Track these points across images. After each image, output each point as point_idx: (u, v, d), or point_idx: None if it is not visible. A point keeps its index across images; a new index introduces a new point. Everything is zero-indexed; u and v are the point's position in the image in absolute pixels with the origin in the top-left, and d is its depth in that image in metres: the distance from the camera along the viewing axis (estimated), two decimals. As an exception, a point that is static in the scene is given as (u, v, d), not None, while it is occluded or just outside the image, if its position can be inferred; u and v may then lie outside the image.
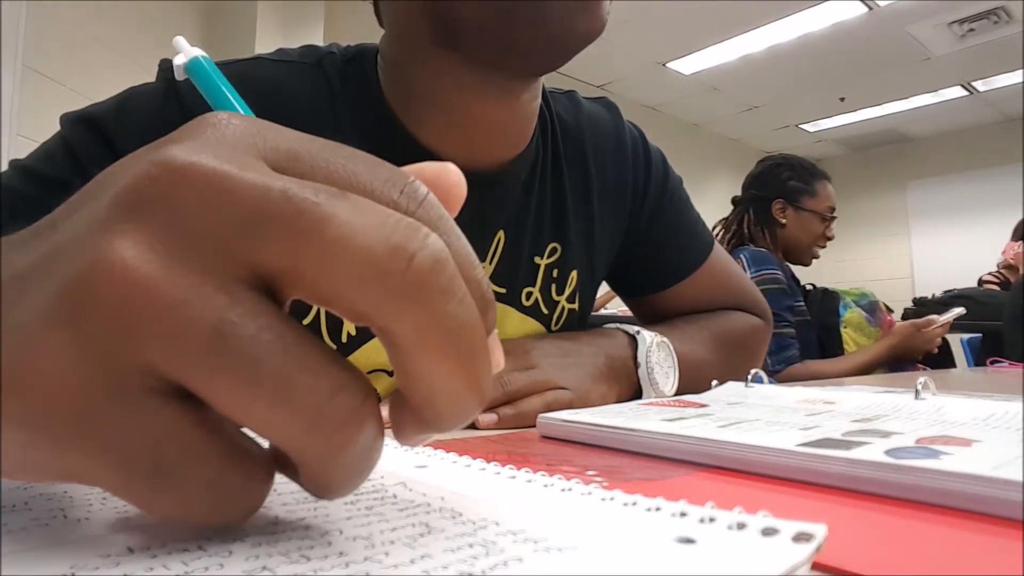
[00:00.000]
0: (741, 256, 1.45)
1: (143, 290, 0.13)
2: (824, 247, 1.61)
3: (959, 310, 1.41)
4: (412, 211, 0.15)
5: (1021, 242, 2.59)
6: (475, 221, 0.53)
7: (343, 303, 0.14)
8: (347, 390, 0.14)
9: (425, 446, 0.27)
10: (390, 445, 0.27)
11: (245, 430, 0.15)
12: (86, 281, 0.13)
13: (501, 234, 0.54)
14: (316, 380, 0.13)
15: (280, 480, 0.16)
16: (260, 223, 0.13)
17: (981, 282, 2.64)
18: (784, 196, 1.57)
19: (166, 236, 0.13)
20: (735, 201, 1.65)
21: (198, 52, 0.28)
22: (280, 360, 0.13)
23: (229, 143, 0.15)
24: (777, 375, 1.28)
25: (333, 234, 0.13)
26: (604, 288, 0.71)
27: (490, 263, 0.54)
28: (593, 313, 0.67)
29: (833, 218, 1.60)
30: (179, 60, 0.28)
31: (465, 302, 0.14)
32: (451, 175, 0.18)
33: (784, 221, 1.57)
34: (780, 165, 1.62)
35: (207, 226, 0.13)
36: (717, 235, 1.60)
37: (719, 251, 0.68)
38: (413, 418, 0.16)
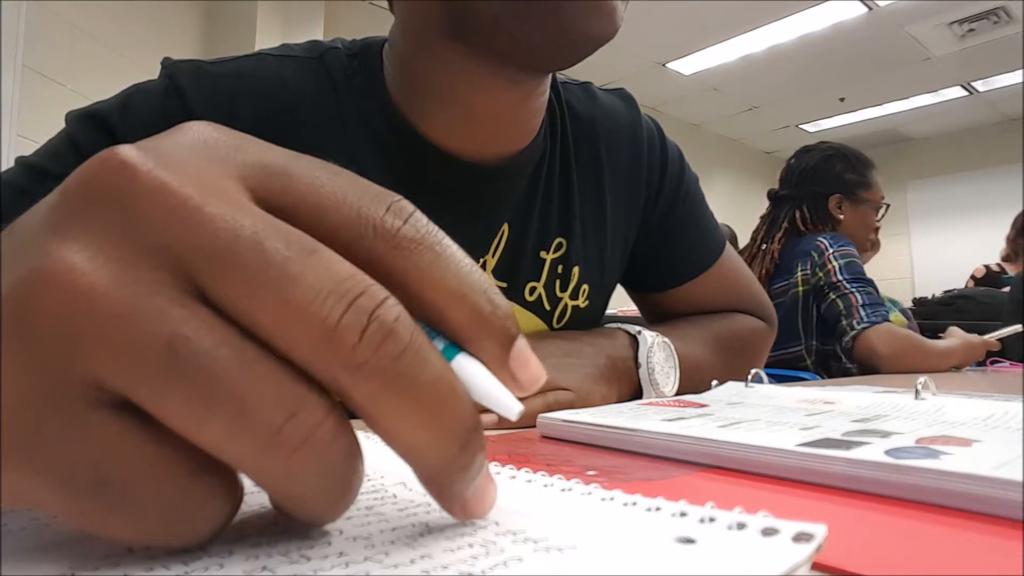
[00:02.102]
0: (821, 240, 1.40)
1: (90, 299, 0.12)
2: (874, 239, 1.54)
3: (1017, 327, 1.35)
4: (398, 228, 0.15)
5: None
6: (479, 214, 0.53)
7: (298, 363, 0.13)
8: (307, 409, 0.13)
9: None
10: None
11: None
12: (29, 287, 0.12)
13: (505, 227, 0.54)
14: (273, 399, 0.13)
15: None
16: (224, 260, 0.13)
17: (973, 276, 2.64)
18: (841, 191, 1.50)
19: (118, 241, 0.13)
20: (780, 197, 1.57)
21: None
22: (236, 377, 0.12)
23: (204, 155, 0.14)
24: (890, 357, 1.21)
25: (296, 297, 0.13)
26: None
27: (493, 256, 0.54)
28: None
29: (887, 206, 1.54)
30: None
31: (421, 359, 0.14)
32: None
33: (841, 216, 1.49)
34: (833, 157, 1.54)
35: (165, 241, 0.13)
36: (760, 232, 1.55)
37: (730, 252, 0.68)
38: (420, 480, 0.15)
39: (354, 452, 0.14)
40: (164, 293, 0.13)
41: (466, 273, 0.15)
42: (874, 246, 1.53)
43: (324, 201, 0.15)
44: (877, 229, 1.54)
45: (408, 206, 0.15)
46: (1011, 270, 2.57)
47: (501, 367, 0.15)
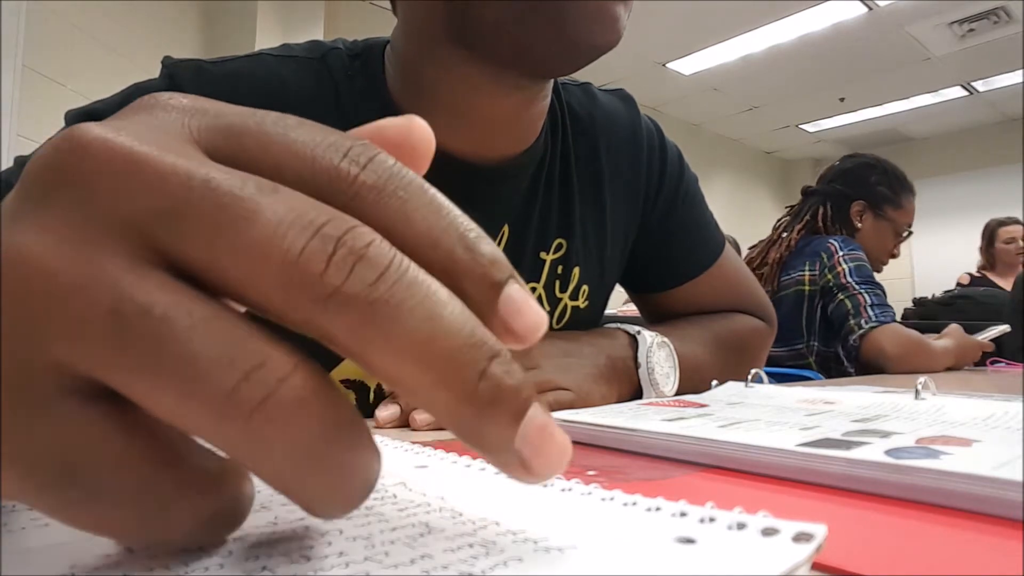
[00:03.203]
0: (832, 242, 1.40)
1: (42, 278, 0.12)
2: (887, 263, 1.54)
3: (1005, 327, 1.35)
4: (355, 175, 0.14)
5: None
6: (480, 215, 0.53)
7: (274, 312, 0.13)
8: (265, 366, 0.12)
9: (425, 446, 0.27)
10: (390, 445, 0.27)
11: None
12: None
13: (506, 228, 0.54)
14: (225, 358, 0.12)
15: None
16: (178, 214, 0.12)
17: (959, 283, 2.66)
18: (867, 199, 1.49)
19: (74, 220, 0.12)
20: (810, 191, 1.58)
21: None
22: (184, 339, 0.12)
23: (157, 123, 0.14)
24: (898, 357, 1.20)
25: (254, 235, 0.12)
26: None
27: None
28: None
29: (909, 235, 1.52)
30: None
31: (406, 282, 0.12)
32: (415, 129, 0.16)
33: (860, 225, 1.49)
34: (872, 166, 1.53)
35: (119, 210, 0.12)
36: (783, 222, 1.56)
37: (729, 252, 0.68)
38: (455, 434, 0.14)
39: (342, 422, 0.12)
40: (117, 264, 0.12)
41: (436, 218, 0.14)
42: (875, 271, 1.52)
43: (279, 154, 0.14)
44: (892, 254, 1.53)
45: (368, 150, 0.14)
46: (992, 277, 2.61)
47: (489, 319, 0.14)
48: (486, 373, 0.13)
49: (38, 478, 0.12)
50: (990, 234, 2.80)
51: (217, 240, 0.12)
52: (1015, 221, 2.75)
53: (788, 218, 1.57)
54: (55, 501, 0.12)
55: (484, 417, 0.13)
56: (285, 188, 0.13)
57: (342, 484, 0.13)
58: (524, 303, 0.14)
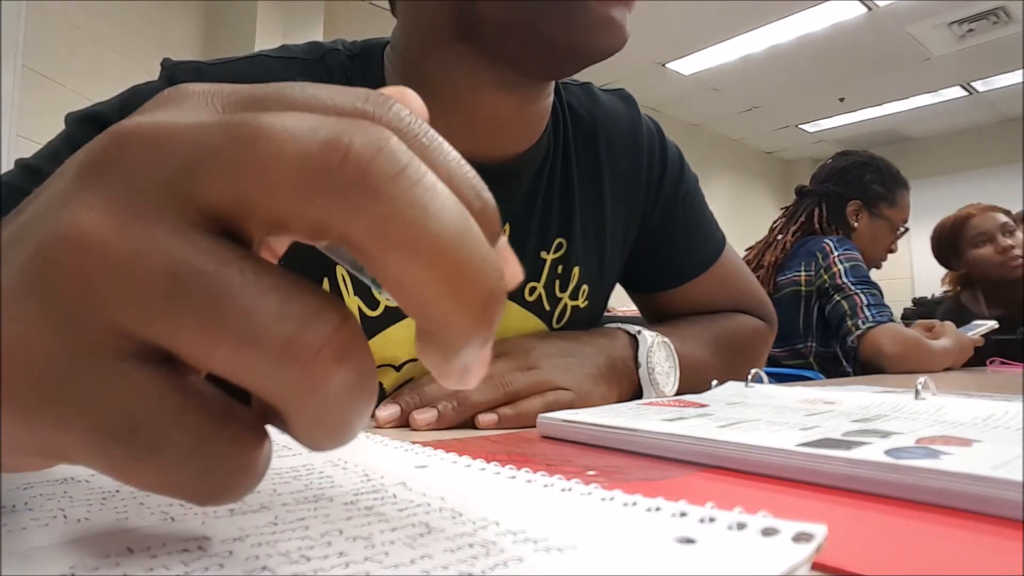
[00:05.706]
0: (827, 242, 1.40)
1: (98, 249, 0.13)
2: (885, 260, 1.53)
3: (992, 323, 1.35)
4: (380, 116, 0.14)
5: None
6: None
7: (296, 221, 0.13)
8: (319, 318, 0.13)
9: (425, 446, 0.27)
10: (390, 445, 0.27)
11: None
12: (48, 249, 0.13)
13: (507, 227, 0.54)
14: (281, 310, 0.12)
15: (280, 480, 0.16)
16: (200, 160, 0.13)
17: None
18: (862, 198, 1.49)
19: (120, 196, 0.13)
20: (804, 191, 1.57)
21: None
22: (240, 293, 0.12)
23: (187, 102, 0.15)
24: (897, 357, 1.20)
25: (265, 148, 0.13)
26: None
27: None
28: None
29: (905, 231, 1.52)
30: None
31: (434, 189, 0.13)
32: (410, 98, 0.17)
33: (856, 224, 1.48)
34: (865, 164, 1.52)
35: (154, 178, 0.13)
36: (778, 224, 1.55)
37: (729, 252, 0.68)
38: (424, 342, 0.14)
39: (368, 371, 0.13)
40: (164, 230, 0.13)
41: (456, 165, 0.15)
42: (872, 268, 1.50)
43: (300, 106, 0.14)
44: (890, 250, 1.52)
45: (388, 99, 0.15)
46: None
47: None
48: (493, 291, 0.13)
49: (101, 436, 0.13)
50: None
51: (234, 167, 0.13)
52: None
53: (783, 219, 1.56)
54: (118, 457, 0.13)
55: (478, 330, 0.14)
56: (294, 111, 0.13)
57: (360, 422, 0.14)
58: (511, 252, 0.16)
